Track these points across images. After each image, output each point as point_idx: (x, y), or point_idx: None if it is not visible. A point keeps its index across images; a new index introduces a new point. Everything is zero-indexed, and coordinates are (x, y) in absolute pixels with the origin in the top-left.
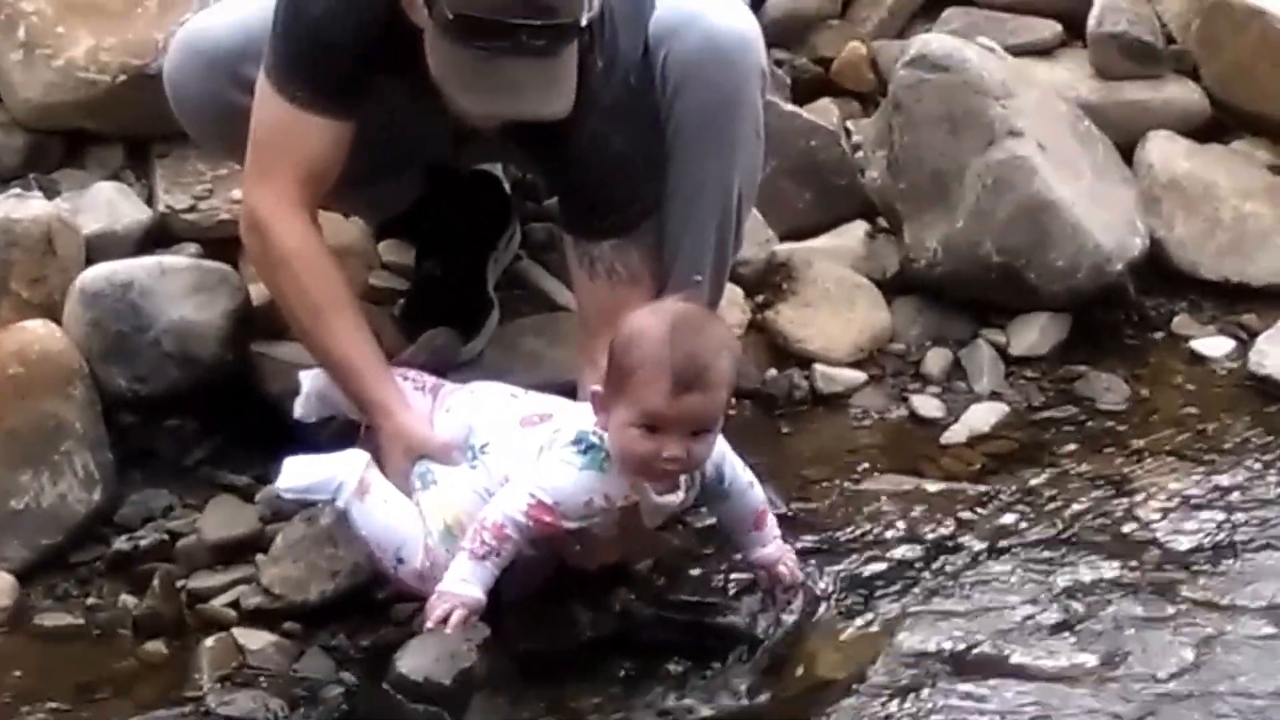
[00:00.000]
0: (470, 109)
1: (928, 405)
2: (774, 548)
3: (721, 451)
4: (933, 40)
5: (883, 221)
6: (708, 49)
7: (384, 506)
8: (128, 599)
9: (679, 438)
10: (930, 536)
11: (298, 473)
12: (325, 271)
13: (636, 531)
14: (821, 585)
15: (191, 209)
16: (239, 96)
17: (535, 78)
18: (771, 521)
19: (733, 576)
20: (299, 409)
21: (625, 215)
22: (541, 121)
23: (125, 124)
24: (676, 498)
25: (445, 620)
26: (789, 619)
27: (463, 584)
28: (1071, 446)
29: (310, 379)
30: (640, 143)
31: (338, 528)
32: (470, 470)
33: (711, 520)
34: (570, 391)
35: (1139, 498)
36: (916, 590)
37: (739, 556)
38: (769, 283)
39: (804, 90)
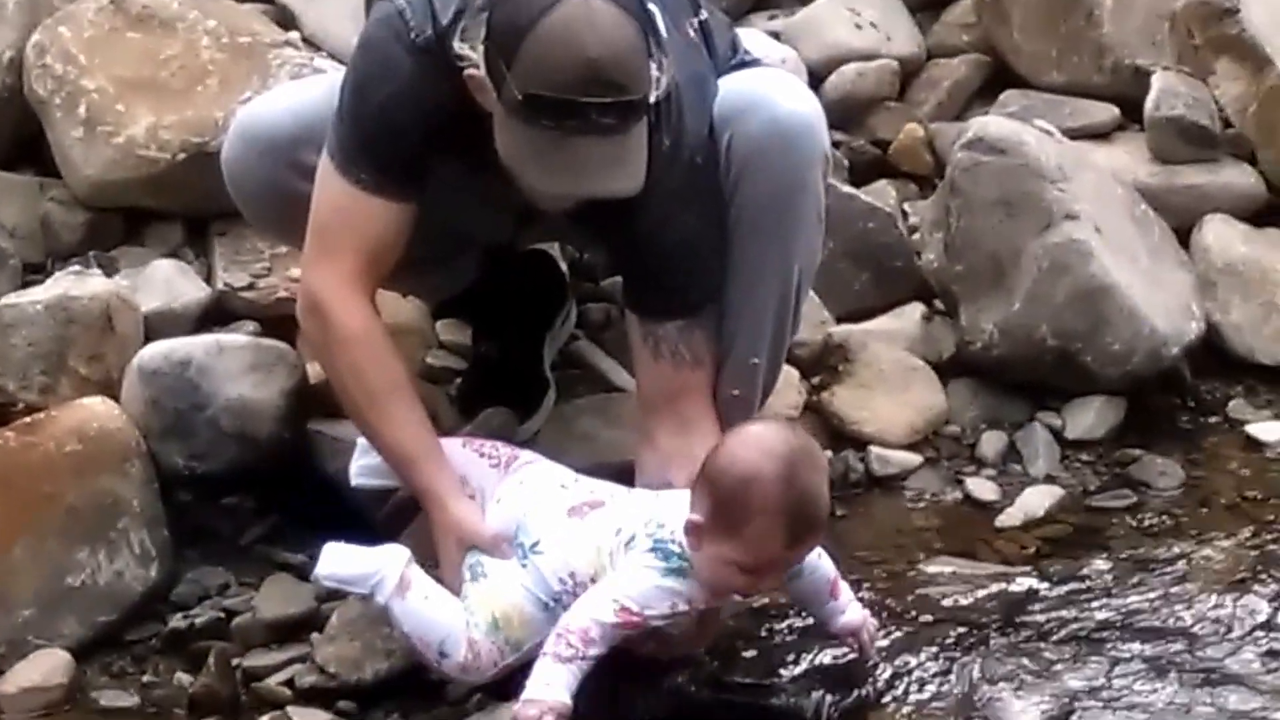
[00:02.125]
0: (542, 189)
1: (983, 488)
2: (854, 612)
3: None
4: (990, 123)
5: (939, 304)
6: (773, 133)
7: (425, 602)
8: (183, 677)
9: (778, 575)
10: (984, 621)
11: (339, 560)
12: (385, 356)
13: (712, 624)
14: (878, 669)
15: (249, 287)
16: (298, 183)
17: (606, 155)
18: (845, 587)
19: (788, 659)
20: (354, 475)
21: (691, 297)
22: (611, 200)
23: (185, 202)
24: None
25: None
26: (844, 703)
27: (548, 689)
28: (1126, 531)
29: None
30: (706, 223)
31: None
32: (520, 568)
33: (765, 600)
34: (626, 472)
35: (1194, 584)
36: (972, 675)
37: (819, 625)
38: (825, 364)
39: (861, 172)
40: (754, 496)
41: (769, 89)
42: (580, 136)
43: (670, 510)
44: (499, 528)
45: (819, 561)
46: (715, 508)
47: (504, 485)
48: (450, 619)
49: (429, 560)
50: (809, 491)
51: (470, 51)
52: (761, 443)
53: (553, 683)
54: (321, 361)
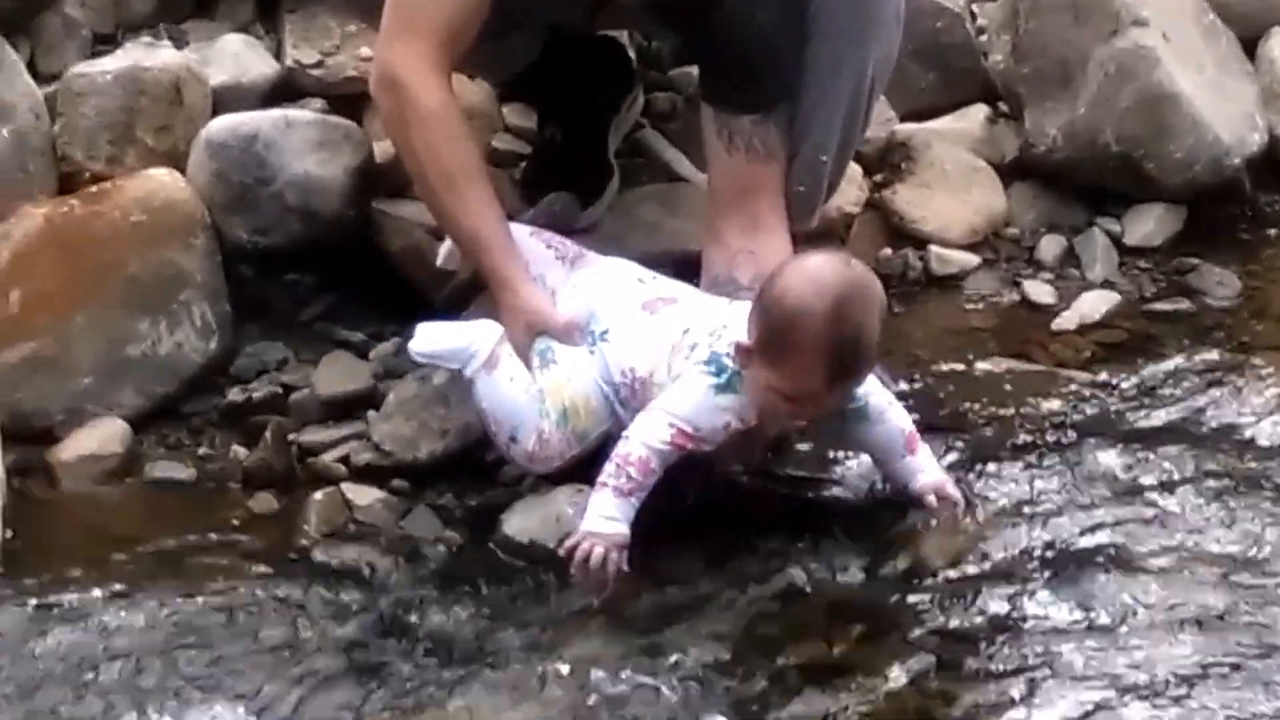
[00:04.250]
0: None
1: (1040, 291)
2: (934, 473)
3: None
4: None
5: (1004, 106)
6: None
7: (508, 383)
8: (239, 450)
9: (822, 407)
10: (1036, 422)
11: (432, 337)
12: (461, 137)
13: (758, 442)
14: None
15: (319, 64)
16: None
17: None
18: (925, 449)
19: (841, 455)
20: (443, 256)
21: (768, 91)
22: None
23: None
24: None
25: (596, 561)
26: (891, 498)
27: (609, 522)
28: (1181, 338)
29: None
30: (785, 18)
31: (455, 392)
32: (589, 355)
33: None
34: (689, 261)
35: (1246, 392)
36: (1019, 477)
37: (900, 488)
38: (888, 162)
39: None
40: (799, 331)
41: None
42: None
43: (735, 322)
44: (572, 315)
45: (887, 409)
46: (763, 336)
47: (580, 273)
48: (528, 407)
49: None
50: (855, 331)
51: None
52: (816, 277)
53: (613, 516)
54: (395, 139)
